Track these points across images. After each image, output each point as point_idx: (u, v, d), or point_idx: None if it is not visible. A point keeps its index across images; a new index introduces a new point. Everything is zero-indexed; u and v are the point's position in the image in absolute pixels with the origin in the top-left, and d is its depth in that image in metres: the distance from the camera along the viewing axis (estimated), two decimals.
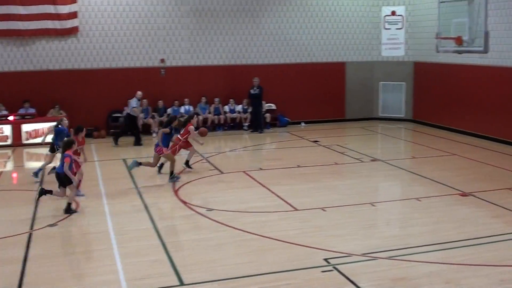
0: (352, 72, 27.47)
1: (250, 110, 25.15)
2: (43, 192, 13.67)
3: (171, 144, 16.66)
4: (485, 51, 18.44)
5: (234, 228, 12.23)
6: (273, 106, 26.14)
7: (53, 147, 16.50)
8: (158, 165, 16.99)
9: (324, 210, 13.45)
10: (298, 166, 17.61)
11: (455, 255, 10.70)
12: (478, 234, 11.83)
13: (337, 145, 21.17)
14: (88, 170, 16.87)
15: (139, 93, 22.43)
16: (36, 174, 16.62)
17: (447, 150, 20.25)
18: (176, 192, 15.10)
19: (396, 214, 13.92)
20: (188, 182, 16.01)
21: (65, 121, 16.97)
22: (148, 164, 16.75)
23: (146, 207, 13.84)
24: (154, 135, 23.46)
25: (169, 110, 24.27)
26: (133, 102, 22.30)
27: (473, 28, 18.41)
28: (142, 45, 24.60)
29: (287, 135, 24.29)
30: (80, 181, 14.56)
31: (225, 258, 10.58)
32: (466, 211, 13.61)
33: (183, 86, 24.85)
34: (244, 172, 17.23)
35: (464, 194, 14.80)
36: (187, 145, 17.58)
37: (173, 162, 16.40)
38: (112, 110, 24.25)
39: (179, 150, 17.32)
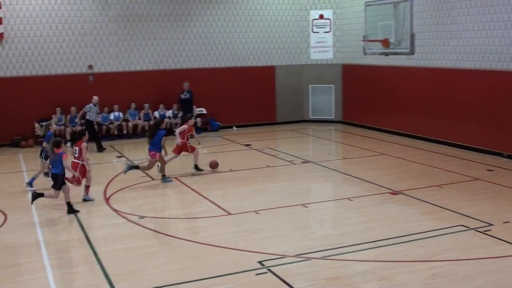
0: (282, 76, 27.64)
1: (180, 115, 25.06)
2: (35, 196, 13.79)
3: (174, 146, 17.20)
4: (411, 52, 18.77)
5: (167, 235, 12.15)
6: (204, 111, 26.09)
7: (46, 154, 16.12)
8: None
9: (257, 213, 13.48)
10: (231, 170, 17.60)
11: (387, 253, 10.87)
12: (409, 231, 12.03)
13: (269, 148, 21.25)
14: (18, 180, 16.54)
15: (95, 98, 22.24)
16: (30, 183, 16.23)
17: (376, 150, 20.55)
18: (107, 200, 14.91)
19: (329, 215, 14.04)
20: (119, 190, 15.82)
21: (53, 125, 16.90)
22: (144, 168, 16.97)
23: (77, 216, 13.60)
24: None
25: (98, 117, 23.95)
26: (91, 107, 22.07)
27: (399, 31, 18.70)
28: (70, 51, 24.22)
29: (219, 140, 24.25)
30: (88, 186, 14.89)
31: (159, 265, 10.49)
32: (396, 209, 13.84)
33: (112, 92, 24.57)
34: (176, 178, 17.12)
35: (394, 193, 15.04)
36: (191, 149, 17.67)
37: (163, 164, 16.63)
38: (40, 118, 23.77)
39: (179, 151, 17.63)
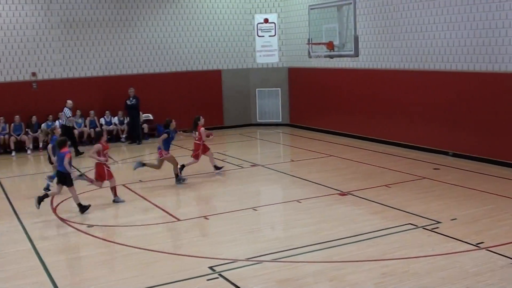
0: (229, 80, 27.65)
1: (126, 121, 24.86)
2: (40, 199, 14.21)
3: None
4: (356, 54, 18.98)
5: (116, 243, 12.02)
6: (151, 116, 25.92)
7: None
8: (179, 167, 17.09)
9: (207, 218, 13.44)
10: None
11: (337, 253, 10.93)
12: (359, 231, 12.12)
13: (217, 152, 21.18)
14: None
15: (69, 102, 22.10)
16: (47, 188, 16.01)
17: (324, 151, 20.68)
18: (54, 209, 14.69)
19: (278, 217, 14.09)
20: (66, 199, 15.59)
21: (58, 130, 17.25)
22: (153, 166, 17.14)
23: (23, 227, 13.37)
24: (28, 151, 22.81)
25: (43, 126, 23.62)
26: (67, 112, 21.81)
27: (343, 33, 18.89)
28: (12, 59, 23.78)
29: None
30: (115, 187, 15.15)
31: (109, 274, 10.37)
32: (345, 209, 13.95)
33: (56, 99, 24.16)
34: (123, 185, 16.95)
35: (342, 194, 15.15)
36: (204, 149, 17.73)
37: (176, 165, 16.71)
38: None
39: (201, 155, 17.68)
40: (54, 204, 15.10)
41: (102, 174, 14.97)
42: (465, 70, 18.44)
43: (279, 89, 27.60)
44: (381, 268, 10.02)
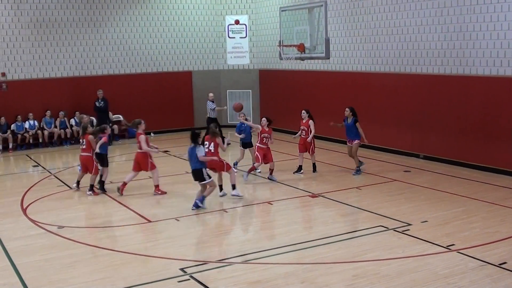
0: (199, 81, 27.62)
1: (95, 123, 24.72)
2: (101, 186, 16.16)
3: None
4: (327, 57, 18.99)
5: (87, 244, 11.93)
6: (121, 118, 25.76)
7: None
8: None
9: (177, 220, 13.39)
10: (150, 177, 17.39)
11: (309, 255, 10.96)
12: (330, 233, 12.15)
13: None
14: None
15: (211, 94, 23.01)
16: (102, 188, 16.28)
17: (294, 153, 20.62)
18: (24, 211, 14.54)
19: (249, 219, 14.11)
20: (36, 200, 15.47)
21: (85, 118, 17.46)
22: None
23: None
24: None
25: (12, 126, 23.40)
26: (210, 104, 22.48)
27: (314, 35, 18.87)
28: None
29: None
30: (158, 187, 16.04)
31: (79, 275, 10.27)
32: (316, 211, 14.03)
33: (26, 100, 24.01)
34: (95, 187, 16.85)
35: (313, 196, 15.20)
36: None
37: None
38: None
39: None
40: (24, 205, 14.97)
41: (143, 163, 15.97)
42: (436, 73, 18.58)
43: (250, 91, 27.62)
44: (352, 270, 10.05)
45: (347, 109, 17.66)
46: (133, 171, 16.13)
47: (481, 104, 17.28)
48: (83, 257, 11.25)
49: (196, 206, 14.10)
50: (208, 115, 22.71)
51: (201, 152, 14.13)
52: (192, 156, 14.16)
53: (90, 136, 15.76)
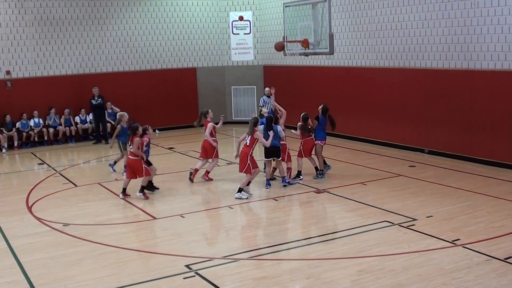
0: (204, 78, 27.60)
1: (89, 120, 24.71)
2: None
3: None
4: (331, 52, 18.91)
5: (92, 241, 11.94)
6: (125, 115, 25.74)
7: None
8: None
9: (183, 217, 13.40)
10: (155, 174, 17.44)
11: (314, 251, 10.97)
12: (335, 229, 12.19)
13: (192, 150, 21.12)
14: None
15: (267, 89, 21.70)
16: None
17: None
18: (30, 208, 14.57)
19: (254, 215, 14.10)
20: (41, 198, 15.49)
21: (125, 117, 17.63)
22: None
23: None
24: (3, 150, 22.59)
25: (18, 124, 23.42)
26: (266, 99, 21.61)
27: (318, 31, 18.79)
28: None
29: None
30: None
31: (85, 273, 10.29)
32: (321, 207, 14.02)
33: (30, 98, 24.02)
34: (99, 183, 16.89)
35: (318, 191, 15.18)
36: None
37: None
38: None
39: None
40: (30, 203, 15.00)
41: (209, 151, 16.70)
42: (440, 68, 18.54)
43: (254, 87, 27.60)
44: (357, 266, 10.06)
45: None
46: (201, 158, 17.22)
47: (486, 99, 17.23)
48: (88, 254, 11.27)
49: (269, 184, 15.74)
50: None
51: (281, 132, 15.65)
52: (275, 134, 15.31)
53: (137, 139, 14.92)
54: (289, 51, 20.79)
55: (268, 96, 20.34)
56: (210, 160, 16.92)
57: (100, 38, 25.44)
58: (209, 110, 17.16)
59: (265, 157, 15.85)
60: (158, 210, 14.03)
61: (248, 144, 14.97)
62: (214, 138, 16.83)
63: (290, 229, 12.46)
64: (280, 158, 15.64)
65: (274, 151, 15.51)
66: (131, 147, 15.09)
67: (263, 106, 20.04)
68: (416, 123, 19.57)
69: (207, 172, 16.82)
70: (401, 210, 13.18)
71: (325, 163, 17.01)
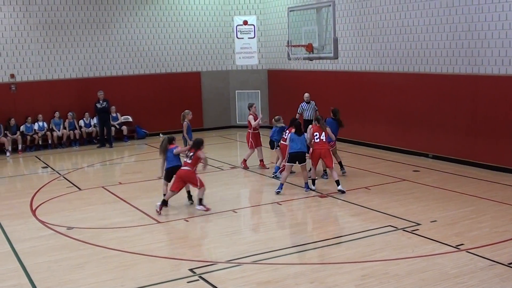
0: (208, 82, 27.64)
1: (93, 123, 24.72)
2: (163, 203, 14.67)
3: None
4: (335, 57, 18.93)
5: (96, 245, 11.94)
6: (130, 118, 25.82)
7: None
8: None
9: (186, 221, 13.41)
10: (159, 178, 17.44)
11: (318, 255, 10.98)
12: (339, 233, 12.17)
13: None
14: None
15: (306, 94, 21.85)
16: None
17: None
18: (34, 212, 14.59)
19: (258, 219, 14.08)
20: (45, 201, 15.51)
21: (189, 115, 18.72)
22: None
23: (2, 229, 13.26)
24: (8, 154, 22.63)
25: (22, 128, 23.47)
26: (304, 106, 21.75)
27: (323, 35, 18.82)
28: None
29: (145, 147, 24.05)
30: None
31: (88, 276, 10.29)
32: (325, 211, 13.99)
33: (35, 101, 24.06)
34: (103, 187, 16.90)
35: (322, 196, 15.17)
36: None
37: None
38: None
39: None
40: (34, 206, 15.01)
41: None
42: (444, 73, 18.54)
43: (259, 91, 27.62)
44: (361, 270, 10.04)
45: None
46: (249, 148, 18.75)
47: (490, 103, 17.22)
48: (92, 258, 11.27)
49: (308, 187, 15.79)
50: (305, 117, 20.65)
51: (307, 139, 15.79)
52: (300, 140, 15.44)
53: (203, 153, 14.57)
54: (294, 56, 20.82)
55: (308, 102, 20.28)
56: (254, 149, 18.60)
57: (104, 42, 25.49)
58: (254, 104, 19.64)
59: (288, 161, 15.70)
60: (162, 214, 14.02)
61: (318, 141, 15.74)
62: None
63: (294, 233, 12.45)
64: (305, 163, 15.59)
65: (299, 156, 15.45)
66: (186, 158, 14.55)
67: (301, 113, 19.99)
68: (420, 127, 19.57)
69: (261, 161, 18.80)
70: (405, 214, 13.16)
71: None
